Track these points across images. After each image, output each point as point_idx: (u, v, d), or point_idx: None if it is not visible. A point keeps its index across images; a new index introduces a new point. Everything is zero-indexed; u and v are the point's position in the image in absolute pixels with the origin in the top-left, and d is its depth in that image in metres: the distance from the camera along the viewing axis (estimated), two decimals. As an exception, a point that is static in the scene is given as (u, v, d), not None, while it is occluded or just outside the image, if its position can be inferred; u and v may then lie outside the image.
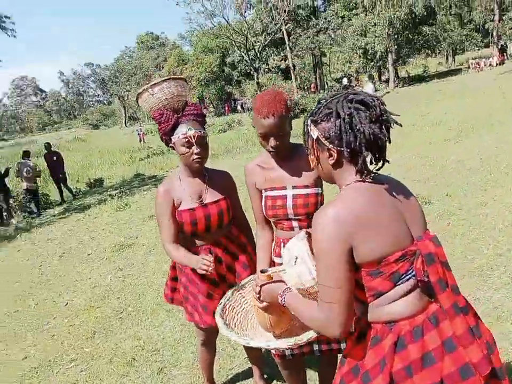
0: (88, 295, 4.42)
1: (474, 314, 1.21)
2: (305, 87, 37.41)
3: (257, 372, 2.42)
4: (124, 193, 9.65)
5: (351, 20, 30.98)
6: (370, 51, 29.87)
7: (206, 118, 2.11)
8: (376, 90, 10.91)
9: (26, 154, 10.40)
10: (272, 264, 1.89)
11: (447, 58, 38.92)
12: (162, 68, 48.61)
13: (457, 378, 1.08)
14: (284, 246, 1.84)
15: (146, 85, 2.01)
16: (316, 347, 1.81)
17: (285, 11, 26.18)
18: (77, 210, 9.23)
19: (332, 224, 1.12)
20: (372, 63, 31.65)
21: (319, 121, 1.21)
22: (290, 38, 35.41)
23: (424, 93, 19.55)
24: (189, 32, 43.93)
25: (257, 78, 23.50)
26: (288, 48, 31.67)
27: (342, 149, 1.18)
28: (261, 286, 1.49)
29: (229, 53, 38.16)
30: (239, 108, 37.15)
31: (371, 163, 1.25)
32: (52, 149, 11.46)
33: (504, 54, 28.03)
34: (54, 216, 9.27)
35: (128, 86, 53.21)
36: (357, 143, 1.15)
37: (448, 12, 33.22)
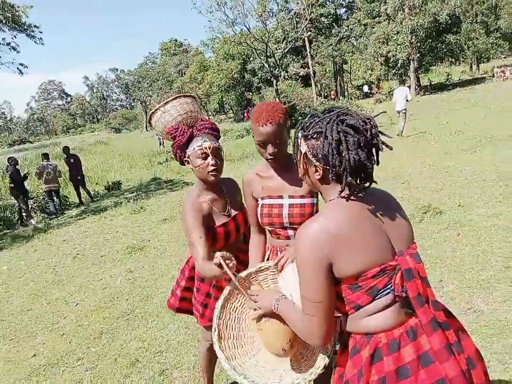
0: (98, 296, 4.52)
1: (457, 329, 1.21)
2: (325, 94, 37.35)
3: None
4: (140, 197, 9.83)
5: (373, 27, 30.79)
6: (392, 59, 29.61)
7: (220, 132, 2.10)
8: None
9: (45, 156, 10.72)
10: None
11: (471, 66, 38.24)
12: (184, 73, 49.32)
13: None
14: (279, 254, 1.87)
15: (158, 105, 2.02)
16: None
17: (306, 19, 26.16)
18: (94, 212, 9.44)
19: (310, 244, 1.16)
20: (394, 71, 31.34)
21: (309, 137, 1.23)
22: (312, 45, 35.48)
23: (445, 101, 19.26)
24: (210, 39, 44.55)
25: (276, 85, 23.48)
26: (309, 55, 31.70)
27: (328, 168, 1.20)
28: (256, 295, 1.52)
29: (250, 59, 38.45)
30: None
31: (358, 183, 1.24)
32: (71, 151, 11.75)
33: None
34: (72, 217, 9.49)
35: (150, 92, 54.23)
36: (341, 169, 1.17)
37: (474, 20, 32.69)
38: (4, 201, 12.12)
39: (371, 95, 35.00)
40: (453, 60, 35.79)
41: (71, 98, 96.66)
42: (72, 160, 11.10)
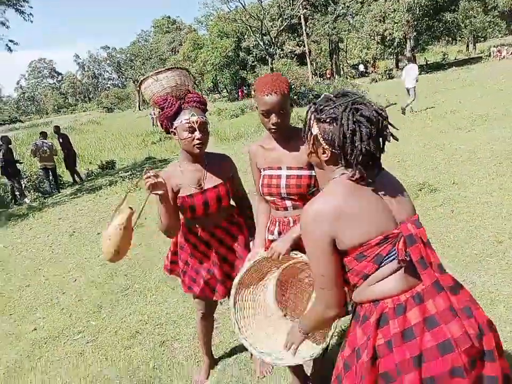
0: (96, 272, 4.56)
1: (468, 299, 1.23)
2: (321, 73, 37.01)
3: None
4: (134, 176, 9.79)
5: (370, 5, 30.33)
6: (388, 37, 29.31)
7: (207, 105, 2.15)
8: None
9: (43, 135, 10.66)
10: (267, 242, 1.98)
11: (467, 46, 37.98)
12: (178, 52, 48.52)
13: (436, 353, 1.12)
14: (278, 225, 1.93)
15: (151, 72, 2.08)
16: None
17: (302, -5, 25.79)
18: (89, 191, 9.41)
19: (313, 222, 1.23)
20: (390, 50, 31.07)
21: (321, 120, 1.25)
22: (307, 23, 34.92)
23: (441, 80, 19.16)
24: (204, 16, 43.68)
25: (272, 64, 23.26)
26: (304, 33, 31.26)
27: (337, 152, 1.24)
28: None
29: (245, 37, 37.86)
30: (252, 93, 36.90)
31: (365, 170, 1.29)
32: (62, 131, 11.65)
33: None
34: (66, 196, 9.47)
35: (143, 70, 53.41)
36: (352, 157, 1.21)
37: (472, -3, 32.26)
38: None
39: (367, 74, 34.73)
40: (450, 39, 35.56)
41: (62, 77, 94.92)
42: (61, 140, 11.03)
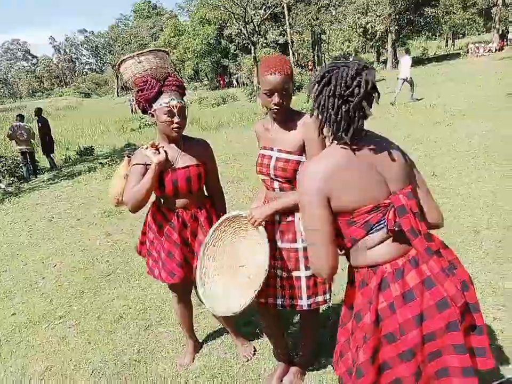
0: (77, 258, 4.49)
1: (451, 258, 1.35)
2: (303, 64, 36.99)
3: (231, 329, 2.56)
4: (114, 162, 9.62)
5: (353, -3, 30.33)
6: (370, 30, 29.44)
7: (185, 90, 2.20)
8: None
9: (20, 117, 10.35)
10: None
11: (446, 41, 38.58)
12: (158, 37, 47.55)
13: (435, 311, 1.21)
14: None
15: (132, 53, 2.09)
16: (279, 302, 1.96)
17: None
18: (67, 177, 9.21)
19: (309, 180, 1.28)
20: (371, 43, 31.27)
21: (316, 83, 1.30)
22: (291, 13, 34.70)
23: (421, 75, 19.42)
24: (186, 2, 42.85)
25: (255, 52, 23.09)
26: (287, 23, 31.05)
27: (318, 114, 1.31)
28: None
29: (227, 25, 37.36)
30: (234, 82, 36.64)
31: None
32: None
33: (505, 39, 27.80)
34: (43, 182, 9.24)
35: (122, 55, 51.98)
36: (327, 124, 1.29)
37: (452, -7, 32.65)
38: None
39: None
40: (430, 34, 35.96)
41: (37, 60, 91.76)
42: (40, 124, 10.73)
